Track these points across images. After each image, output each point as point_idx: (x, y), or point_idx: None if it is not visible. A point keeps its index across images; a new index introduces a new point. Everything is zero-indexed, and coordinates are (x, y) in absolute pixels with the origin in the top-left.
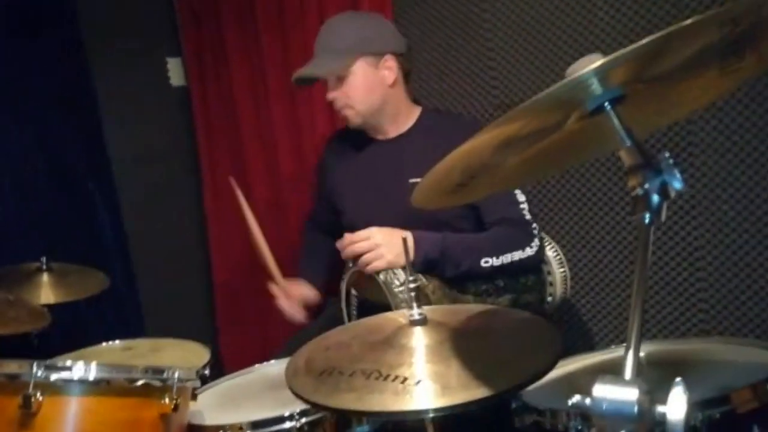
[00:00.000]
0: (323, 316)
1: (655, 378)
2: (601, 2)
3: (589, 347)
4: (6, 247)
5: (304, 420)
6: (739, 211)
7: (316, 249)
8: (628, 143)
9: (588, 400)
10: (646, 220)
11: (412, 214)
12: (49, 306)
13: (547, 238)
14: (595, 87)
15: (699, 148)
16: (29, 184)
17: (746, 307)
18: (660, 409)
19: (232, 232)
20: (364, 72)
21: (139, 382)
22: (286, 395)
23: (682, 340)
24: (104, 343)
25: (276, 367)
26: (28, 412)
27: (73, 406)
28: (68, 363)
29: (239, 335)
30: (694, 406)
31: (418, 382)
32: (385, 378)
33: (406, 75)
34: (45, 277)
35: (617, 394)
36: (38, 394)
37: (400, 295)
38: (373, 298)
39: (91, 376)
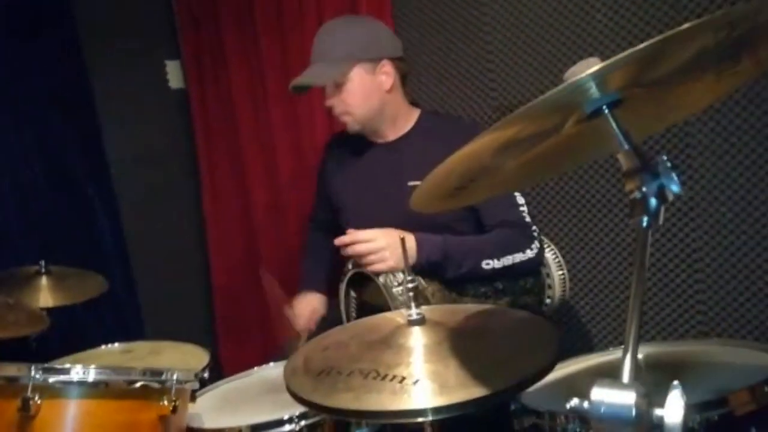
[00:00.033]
0: (323, 316)
1: (653, 380)
2: (599, 6)
3: (588, 349)
4: (5, 250)
5: (303, 423)
6: (737, 213)
7: (318, 248)
8: (626, 146)
9: (586, 404)
10: (644, 224)
11: (411, 217)
12: (47, 309)
13: (545, 240)
14: (593, 91)
15: (697, 150)
16: (28, 186)
17: (744, 309)
18: (658, 412)
19: (231, 235)
20: (361, 78)
21: (138, 384)
22: (285, 398)
23: (680, 341)
24: (103, 346)
25: (275, 370)
26: (26, 414)
27: (72, 408)
28: (67, 365)
29: (238, 338)
30: (691, 408)
31: (416, 382)
32: (383, 378)
33: (403, 78)
34: (44, 281)
35: (615, 397)
36: (37, 397)
37: (400, 298)
38: (373, 300)
39: (90, 379)
